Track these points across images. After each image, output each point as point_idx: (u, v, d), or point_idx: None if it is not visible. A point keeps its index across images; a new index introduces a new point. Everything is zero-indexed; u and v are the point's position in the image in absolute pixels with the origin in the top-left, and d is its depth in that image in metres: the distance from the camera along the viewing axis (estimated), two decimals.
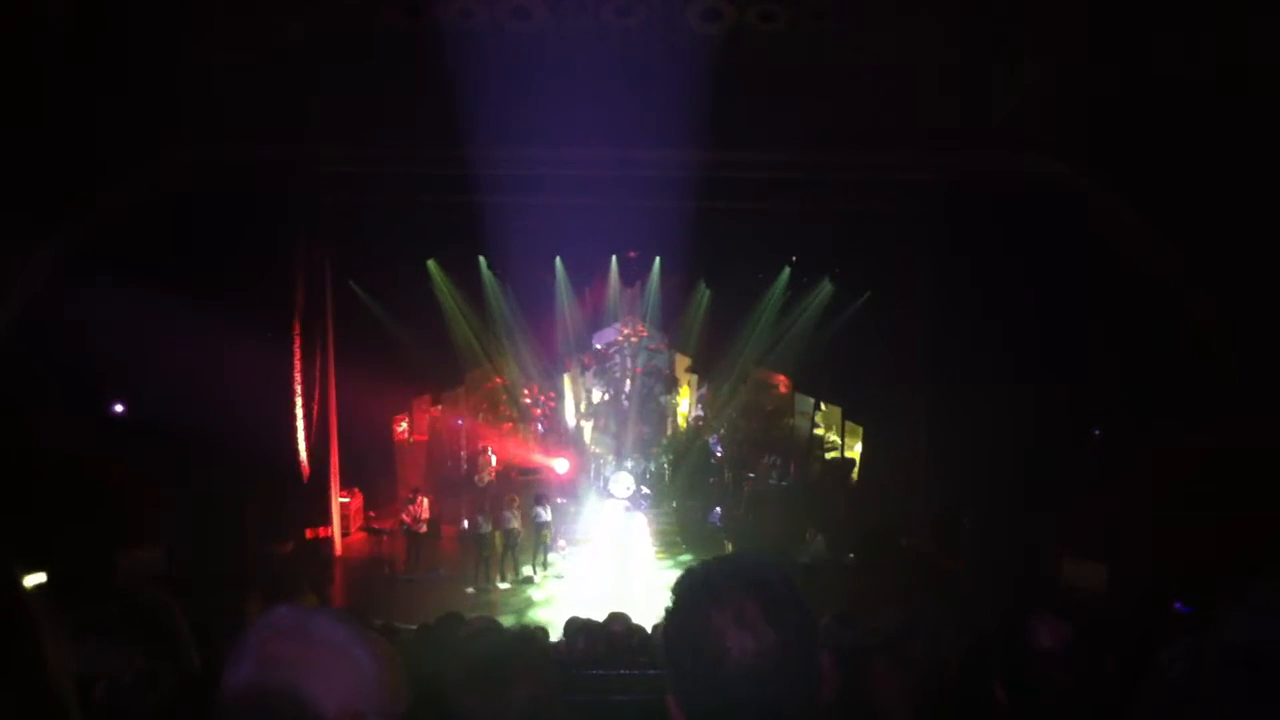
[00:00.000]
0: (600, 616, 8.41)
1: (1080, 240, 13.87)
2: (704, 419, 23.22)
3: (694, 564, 1.86)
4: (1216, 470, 12.26)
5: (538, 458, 21.78)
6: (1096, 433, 15.79)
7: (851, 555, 17.34)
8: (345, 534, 18.32)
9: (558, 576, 17.41)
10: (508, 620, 12.77)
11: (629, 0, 11.29)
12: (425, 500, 17.95)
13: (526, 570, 17.43)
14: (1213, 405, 12.84)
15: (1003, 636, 2.91)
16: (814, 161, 14.73)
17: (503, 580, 17.05)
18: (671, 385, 23.48)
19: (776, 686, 1.63)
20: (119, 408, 15.42)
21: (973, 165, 14.31)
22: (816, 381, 21.18)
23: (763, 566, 1.74)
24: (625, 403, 22.83)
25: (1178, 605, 11.38)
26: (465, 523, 18.41)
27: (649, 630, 8.38)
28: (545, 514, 17.68)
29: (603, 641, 7.05)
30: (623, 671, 5.77)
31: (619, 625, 7.70)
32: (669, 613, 1.76)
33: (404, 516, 17.74)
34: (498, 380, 22.24)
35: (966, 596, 13.10)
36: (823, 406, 22.55)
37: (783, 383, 22.70)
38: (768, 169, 15.38)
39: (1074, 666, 2.75)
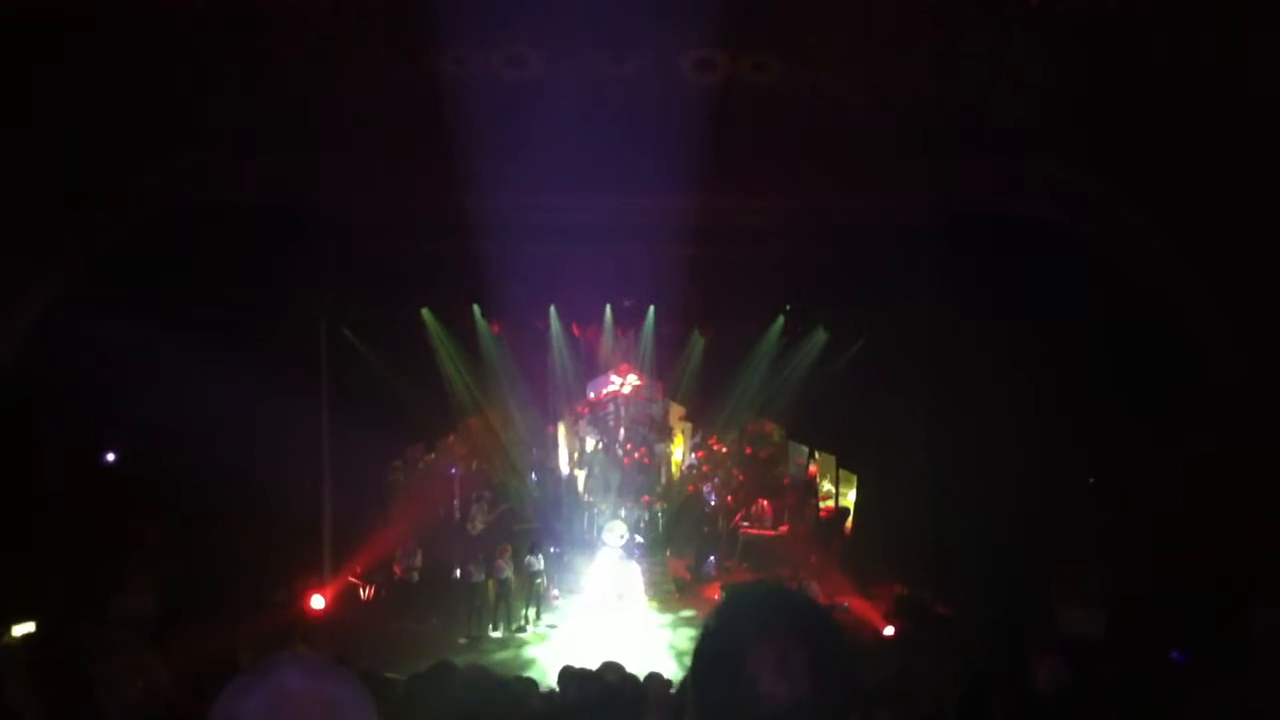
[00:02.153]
0: (593, 666, 8.35)
1: (1079, 282, 13.90)
2: (698, 468, 23.15)
3: (743, 587, 1.80)
4: (1217, 509, 12.27)
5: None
6: (1091, 480, 15.74)
7: (846, 605, 17.23)
8: (337, 582, 18.17)
9: (550, 626, 17.30)
10: (499, 671, 12.64)
11: (623, 49, 11.38)
12: (419, 549, 17.87)
13: (519, 620, 17.32)
14: (1219, 432, 12.83)
15: (1004, 674, 2.89)
16: (807, 206, 14.80)
17: (495, 629, 16.94)
18: (665, 434, 23.44)
19: None
20: (110, 456, 15.34)
21: (968, 209, 14.36)
22: (810, 430, 21.14)
23: (817, 612, 1.69)
24: (619, 452, 22.76)
25: (1174, 654, 11.33)
26: (458, 571, 18.28)
27: (642, 680, 8.31)
28: (538, 563, 17.61)
29: (596, 691, 6.97)
30: None
31: (613, 675, 7.63)
32: (707, 631, 1.69)
33: (396, 566, 17.66)
34: (492, 429, 22.16)
35: (962, 643, 13.01)
36: (817, 455, 22.50)
37: (777, 431, 22.67)
38: (761, 215, 15.44)
39: (1072, 707, 2.73)
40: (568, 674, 7.99)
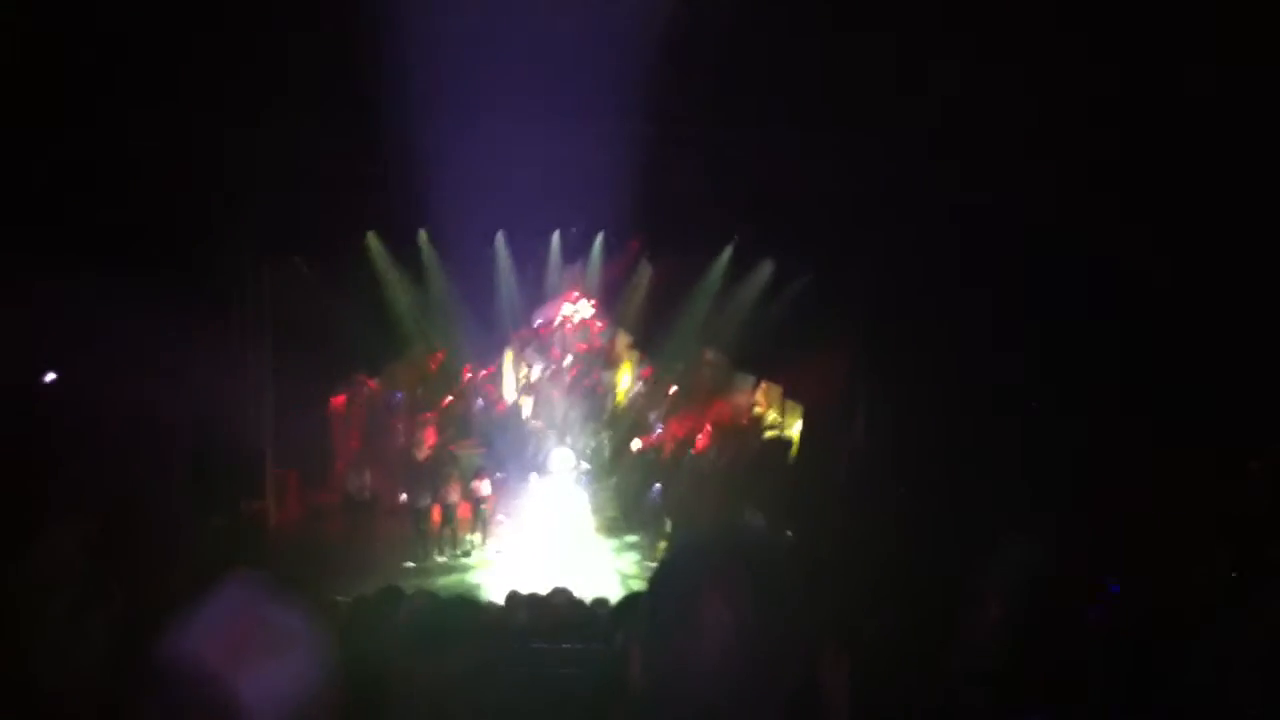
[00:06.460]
0: (540, 590, 8.43)
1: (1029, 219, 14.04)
2: (644, 395, 23.22)
3: (699, 530, 1.83)
4: (1151, 444, 12.59)
5: None
6: (1033, 404, 15.98)
7: (789, 533, 17.45)
8: (281, 506, 18.10)
9: (496, 552, 17.39)
10: (446, 595, 12.70)
11: None
12: (368, 471, 17.80)
13: (465, 545, 17.40)
14: (1152, 374, 13.14)
15: (953, 612, 2.94)
16: (759, 139, 14.73)
17: (440, 554, 17.02)
18: (612, 361, 23.47)
19: (741, 670, 1.60)
20: (50, 376, 15.06)
21: (920, 142, 14.35)
22: (756, 359, 21.23)
23: (772, 550, 1.72)
24: (565, 378, 22.78)
25: (1111, 586, 11.63)
26: (403, 496, 18.30)
27: (589, 604, 8.41)
28: (484, 489, 17.65)
29: (546, 614, 7.05)
30: (566, 646, 5.77)
31: (561, 599, 7.72)
32: (663, 564, 1.73)
33: (346, 485, 17.61)
34: (438, 355, 22.08)
35: (902, 575, 13.23)
36: (763, 384, 22.63)
37: (722, 360, 22.74)
38: (711, 145, 15.36)
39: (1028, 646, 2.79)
40: (515, 599, 8.06)
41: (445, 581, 15.60)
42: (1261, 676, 2.03)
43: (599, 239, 20.62)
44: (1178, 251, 12.92)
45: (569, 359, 22.88)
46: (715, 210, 17.83)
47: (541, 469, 20.68)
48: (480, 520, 17.60)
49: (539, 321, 22.96)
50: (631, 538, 18.43)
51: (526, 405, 22.72)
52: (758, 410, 23.02)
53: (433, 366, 22.34)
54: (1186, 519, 11.67)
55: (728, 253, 19.93)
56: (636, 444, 21.88)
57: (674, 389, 22.92)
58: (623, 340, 23.45)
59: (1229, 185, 11.69)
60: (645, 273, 21.37)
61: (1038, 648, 2.78)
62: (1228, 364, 12.54)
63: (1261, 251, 11.79)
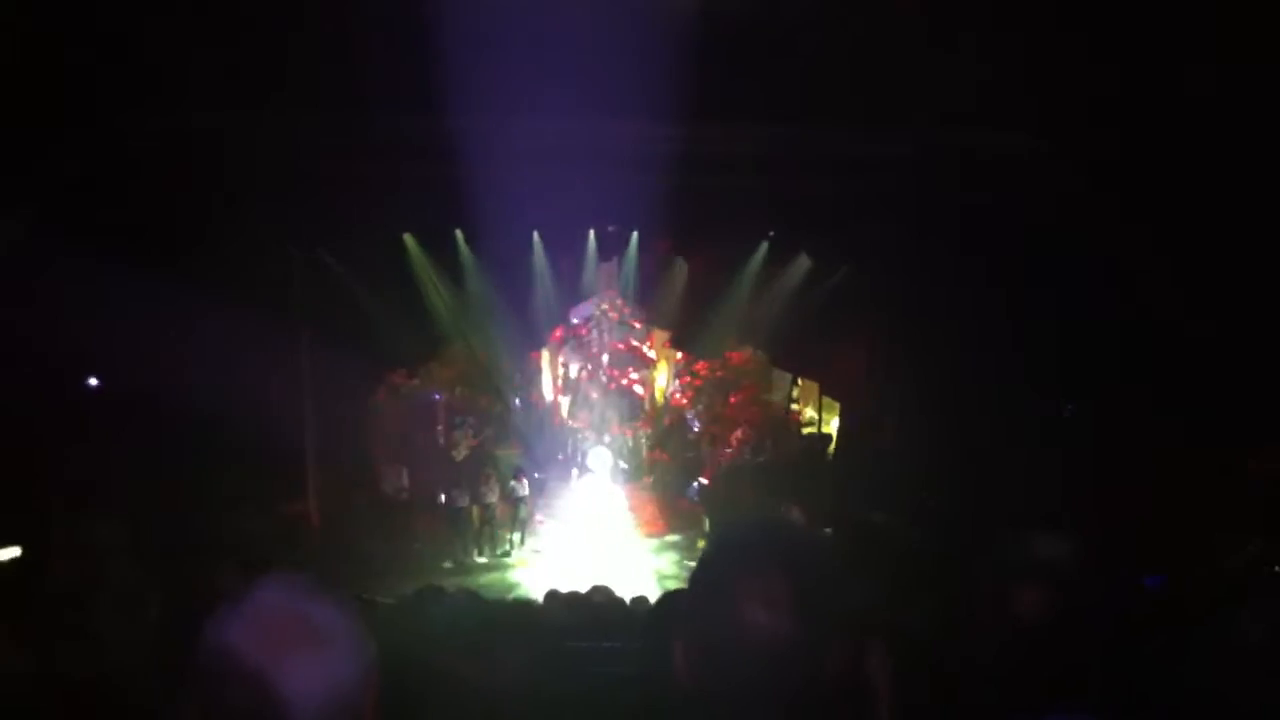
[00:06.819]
0: (579, 589, 8.42)
1: (1062, 215, 13.93)
2: (681, 394, 23.20)
3: (738, 528, 1.82)
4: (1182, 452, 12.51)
5: None
6: (1069, 408, 15.86)
7: (828, 530, 17.36)
8: (321, 505, 18.19)
9: (535, 551, 17.42)
10: (486, 594, 12.74)
11: None
12: (406, 471, 17.89)
13: (504, 545, 17.44)
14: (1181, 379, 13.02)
15: (985, 606, 2.91)
16: (793, 135, 14.64)
17: (480, 554, 17.06)
18: (648, 360, 23.45)
19: (781, 669, 1.61)
20: (93, 380, 15.21)
21: (952, 142, 14.25)
22: (793, 356, 21.17)
23: (806, 544, 1.72)
24: (603, 378, 22.79)
25: (1148, 580, 11.51)
26: (442, 497, 18.37)
27: (628, 603, 8.39)
28: (522, 489, 17.69)
29: (586, 613, 7.03)
30: (605, 645, 5.74)
31: (601, 598, 7.71)
32: (702, 562, 1.74)
33: (384, 486, 17.69)
34: (475, 355, 22.14)
35: (938, 571, 13.14)
36: (799, 381, 22.56)
37: (759, 358, 22.70)
38: (747, 143, 15.26)
39: (1062, 637, 2.76)
40: (554, 597, 8.06)
41: (485, 581, 15.63)
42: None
43: (634, 237, 20.58)
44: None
45: (606, 358, 22.88)
46: (751, 205, 17.74)
47: (580, 468, 20.73)
48: (519, 520, 17.64)
49: (575, 320, 22.96)
50: (671, 536, 18.38)
51: (564, 404, 22.76)
52: (795, 407, 22.98)
53: (470, 366, 22.39)
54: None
55: (763, 248, 19.84)
56: (674, 443, 21.89)
57: (710, 387, 22.90)
58: (659, 339, 23.42)
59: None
60: (681, 270, 21.31)
61: (1052, 647, 2.75)
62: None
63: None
